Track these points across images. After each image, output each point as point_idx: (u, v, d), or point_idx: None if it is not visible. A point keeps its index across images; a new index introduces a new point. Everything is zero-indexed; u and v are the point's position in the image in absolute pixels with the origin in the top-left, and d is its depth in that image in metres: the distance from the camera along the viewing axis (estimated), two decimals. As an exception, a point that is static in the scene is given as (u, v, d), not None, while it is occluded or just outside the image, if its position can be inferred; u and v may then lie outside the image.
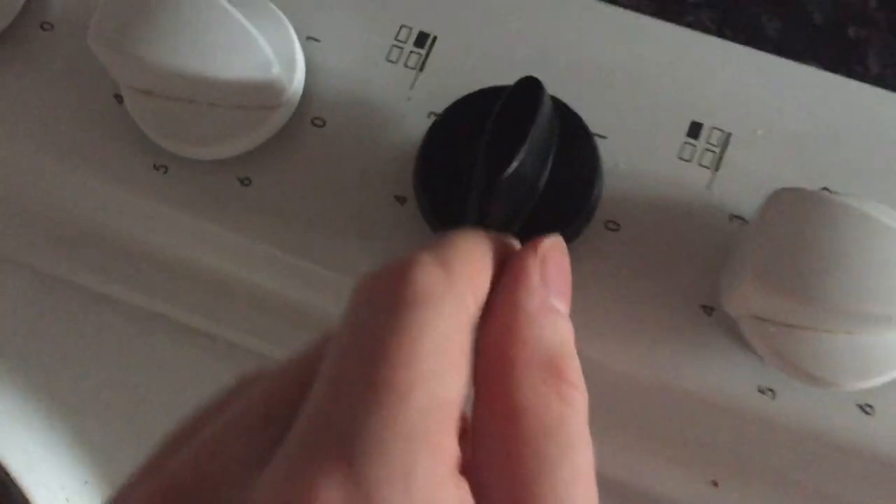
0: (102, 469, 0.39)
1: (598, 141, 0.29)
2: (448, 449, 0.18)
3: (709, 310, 0.28)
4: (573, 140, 0.28)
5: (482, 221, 0.26)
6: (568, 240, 0.28)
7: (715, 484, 0.29)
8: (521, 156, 0.25)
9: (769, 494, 0.29)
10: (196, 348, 0.34)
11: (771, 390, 0.27)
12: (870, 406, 0.27)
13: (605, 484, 0.31)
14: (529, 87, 0.26)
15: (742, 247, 0.26)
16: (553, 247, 0.22)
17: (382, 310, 0.19)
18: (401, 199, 0.29)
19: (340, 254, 0.29)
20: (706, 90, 0.30)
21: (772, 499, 0.29)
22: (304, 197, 0.30)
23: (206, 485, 0.18)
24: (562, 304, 0.21)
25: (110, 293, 0.33)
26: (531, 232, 0.23)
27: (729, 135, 0.29)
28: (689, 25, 0.31)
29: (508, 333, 0.20)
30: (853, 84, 0.31)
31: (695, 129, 0.30)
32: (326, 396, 0.18)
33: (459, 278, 0.20)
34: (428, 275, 0.19)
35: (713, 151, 0.29)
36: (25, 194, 0.32)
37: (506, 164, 0.25)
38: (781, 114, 0.30)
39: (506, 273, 0.21)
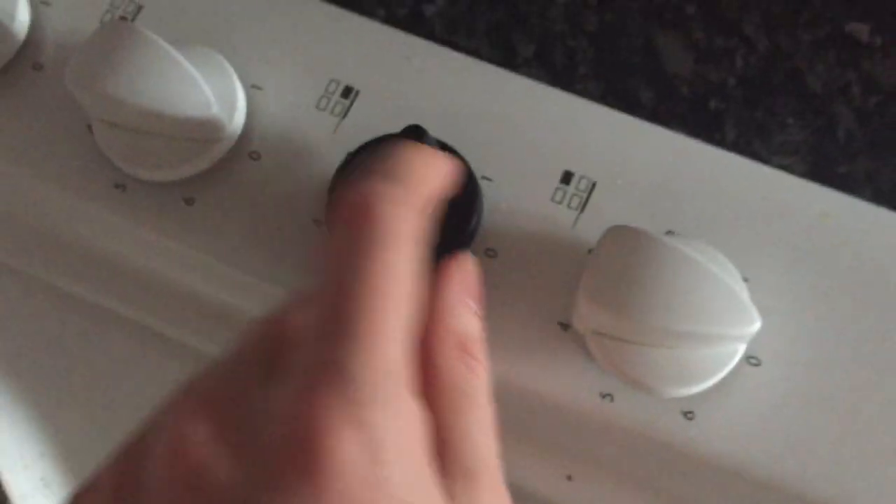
0: (57, 445, 0.44)
1: (486, 182, 0.35)
2: (411, 374, 0.23)
3: (564, 326, 0.33)
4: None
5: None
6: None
7: (569, 478, 0.34)
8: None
9: (614, 488, 0.34)
10: (144, 343, 0.39)
11: (610, 395, 0.32)
12: (691, 413, 0.32)
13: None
14: (414, 132, 0.32)
15: (584, 272, 0.32)
16: (472, 262, 0.29)
17: (359, 255, 0.23)
18: (318, 222, 0.35)
19: (267, 266, 0.35)
20: (582, 145, 0.35)
21: (617, 493, 0.34)
22: (240, 216, 0.35)
23: (234, 395, 0.23)
24: (474, 304, 0.28)
25: (72, 291, 0.38)
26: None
27: (594, 183, 0.35)
28: (577, 93, 0.37)
29: (433, 318, 0.27)
30: (709, 148, 0.36)
31: (567, 177, 0.35)
32: (325, 337, 0.22)
33: (417, 208, 0.25)
34: (393, 212, 0.24)
35: (580, 196, 0.35)
36: (8, 205, 0.38)
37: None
38: (643, 169, 0.35)
39: (438, 275, 0.28)
